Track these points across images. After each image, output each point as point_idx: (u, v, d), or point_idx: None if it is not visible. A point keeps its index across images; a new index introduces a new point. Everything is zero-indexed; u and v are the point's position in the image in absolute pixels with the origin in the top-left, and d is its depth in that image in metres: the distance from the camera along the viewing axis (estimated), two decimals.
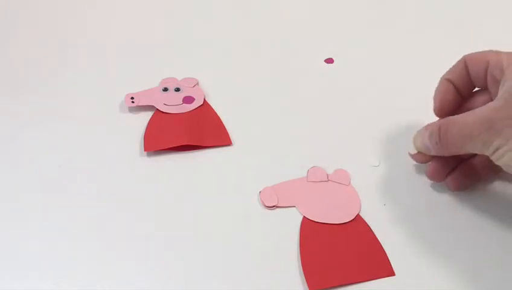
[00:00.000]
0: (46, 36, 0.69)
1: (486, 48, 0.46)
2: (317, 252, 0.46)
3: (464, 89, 0.48)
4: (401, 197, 0.50)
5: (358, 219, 0.49)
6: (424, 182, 0.51)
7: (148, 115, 0.58)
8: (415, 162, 0.51)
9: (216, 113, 0.59)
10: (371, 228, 0.48)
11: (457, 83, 0.48)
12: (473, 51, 0.46)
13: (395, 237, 0.47)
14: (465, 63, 0.47)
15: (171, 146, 0.54)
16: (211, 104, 0.60)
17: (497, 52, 0.45)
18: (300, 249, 0.46)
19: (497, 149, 0.40)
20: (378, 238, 0.47)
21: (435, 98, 0.49)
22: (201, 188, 0.51)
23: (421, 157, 0.49)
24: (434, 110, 0.50)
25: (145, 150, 0.54)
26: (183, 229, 0.48)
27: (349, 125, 0.57)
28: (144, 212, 0.49)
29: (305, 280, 0.44)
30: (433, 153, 0.47)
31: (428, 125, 0.47)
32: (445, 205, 0.50)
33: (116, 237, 0.47)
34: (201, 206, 0.50)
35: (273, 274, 0.45)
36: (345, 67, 0.65)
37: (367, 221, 0.49)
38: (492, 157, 0.41)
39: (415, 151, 0.49)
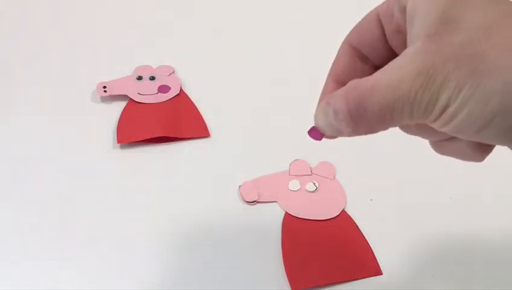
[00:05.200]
0: (13, 24, 0.67)
1: None
2: (300, 250, 0.45)
3: (377, 58, 0.34)
4: (389, 192, 0.49)
5: (343, 215, 0.47)
6: (413, 176, 0.50)
7: (121, 105, 0.56)
8: (403, 155, 0.50)
9: (193, 103, 0.57)
10: (357, 224, 0.47)
11: (368, 50, 0.34)
12: None
13: (382, 234, 0.46)
14: (377, 17, 0.33)
15: (145, 138, 0.53)
16: (187, 94, 0.58)
17: None
18: (282, 247, 0.45)
19: (446, 107, 0.28)
20: (365, 236, 0.46)
21: (332, 70, 0.36)
22: (177, 182, 0.50)
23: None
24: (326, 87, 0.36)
25: (118, 142, 0.53)
26: (157, 226, 0.46)
27: None
28: (116, 207, 0.48)
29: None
30: (345, 135, 0.32)
31: (329, 96, 0.31)
32: (434, 200, 0.49)
33: (87, 233, 0.46)
34: (177, 202, 0.48)
35: (254, 274, 0.43)
36: (328, 59, 0.63)
37: (353, 217, 0.47)
38: (438, 123, 0.29)
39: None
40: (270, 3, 0.71)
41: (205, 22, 0.68)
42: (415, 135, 0.33)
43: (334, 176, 0.50)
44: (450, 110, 0.28)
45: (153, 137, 0.52)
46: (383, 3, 0.33)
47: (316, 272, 0.43)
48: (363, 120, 0.30)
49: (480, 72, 0.26)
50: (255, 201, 0.48)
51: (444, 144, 0.32)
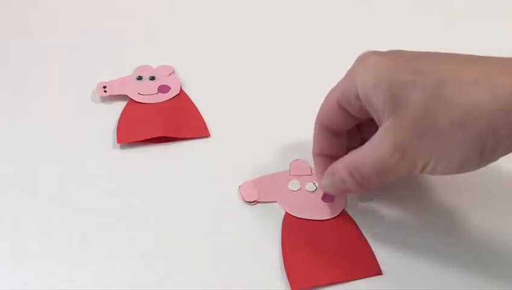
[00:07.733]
0: (13, 25, 0.66)
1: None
2: (300, 250, 0.45)
3: (348, 128, 0.44)
4: (389, 192, 0.48)
5: (343, 215, 0.47)
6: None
7: (121, 105, 0.56)
8: None
9: (193, 103, 0.56)
10: (357, 224, 0.46)
11: (337, 125, 0.44)
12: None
13: (383, 234, 0.46)
14: (337, 102, 0.42)
15: (145, 138, 0.52)
16: (187, 94, 0.58)
17: (350, 77, 0.41)
18: (282, 247, 0.45)
19: (424, 167, 0.37)
20: (365, 236, 0.45)
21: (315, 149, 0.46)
22: (177, 182, 0.49)
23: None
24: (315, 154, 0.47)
25: (118, 142, 0.52)
26: (157, 226, 0.46)
27: None
28: (116, 208, 0.47)
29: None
30: (355, 191, 0.44)
31: (330, 169, 0.43)
32: (435, 200, 0.48)
33: (86, 234, 0.45)
34: (177, 202, 0.48)
35: (254, 274, 0.43)
36: (328, 59, 0.63)
37: (353, 217, 0.47)
38: (424, 174, 0.39)
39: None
40: (270, 3, 0.71)
41: (205, 21, 0.67)
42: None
43: None
44: (428, 168, 0.37)
45: (153, 137, 0.52)
46: (338, 90, 0.42)
47: (316, 272, 0.43)
48: (367, 184, 0.41)
49: (438, 138, 0.35)
50: (255, 201, 0.48)
51: None
